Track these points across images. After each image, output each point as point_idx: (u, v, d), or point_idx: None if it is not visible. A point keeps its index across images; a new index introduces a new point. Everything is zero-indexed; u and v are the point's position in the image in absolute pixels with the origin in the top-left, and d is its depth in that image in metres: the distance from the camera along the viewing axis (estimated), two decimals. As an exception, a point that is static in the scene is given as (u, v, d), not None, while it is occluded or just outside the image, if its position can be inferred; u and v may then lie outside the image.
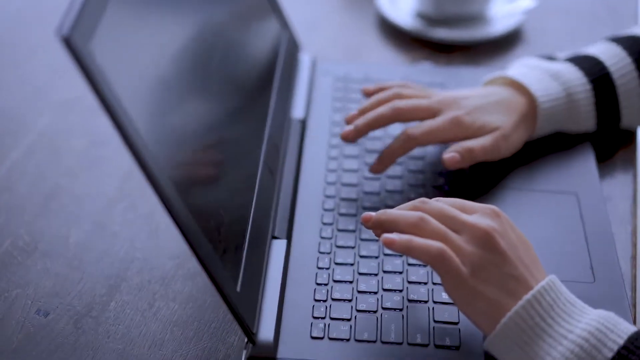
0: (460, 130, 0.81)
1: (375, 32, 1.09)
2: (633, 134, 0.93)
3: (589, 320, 0.63)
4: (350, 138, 0.82)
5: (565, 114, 0.87)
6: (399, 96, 0.83)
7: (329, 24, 1.10)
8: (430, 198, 0.74)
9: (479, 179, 0.84)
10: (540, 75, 0.87)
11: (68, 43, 0.53)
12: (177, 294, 0.75)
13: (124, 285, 0.76)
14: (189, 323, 0.73)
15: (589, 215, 0.81)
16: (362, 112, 0.83)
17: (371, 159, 0.86)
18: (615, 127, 0.90)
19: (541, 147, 0.88)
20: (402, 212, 0.68)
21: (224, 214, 0.68)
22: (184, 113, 0.67)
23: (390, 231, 0.68)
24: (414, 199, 0.82)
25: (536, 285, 0.65)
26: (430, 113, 0.82)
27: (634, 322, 0.72)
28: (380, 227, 0.69)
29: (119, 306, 0.74)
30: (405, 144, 0.81)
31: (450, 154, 0.81)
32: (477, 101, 0.83)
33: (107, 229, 0.82)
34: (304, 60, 0.99)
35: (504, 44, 1.07)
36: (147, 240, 0.80)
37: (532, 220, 0.80)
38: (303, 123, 0.91)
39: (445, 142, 0.83)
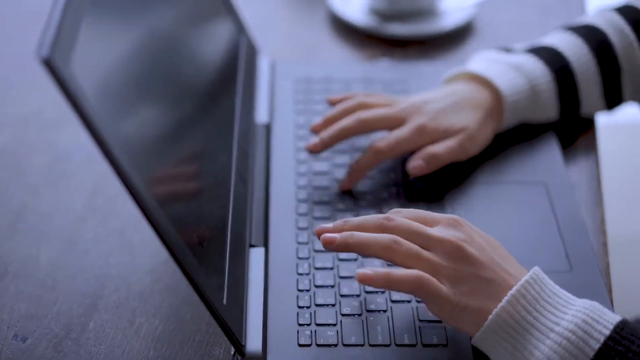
0: (425, 138, 0.82)
1: (329, 30, 1.09)
2: (591, 121, 0.94)
3: (574, 312, 0.64)
4: (316, 150, 0.83)
5: (530, 105, 0.88)
6: (363, 105, 0.84)
7: (280, 25, 1.10)
8: (402, 198, 0.75)
9: (449, 175, 0.84)
10: (503, 68, 0.88)
11: (49, 65, 0.52)
12: (157, 309, 0.74)
13: (101, 303, 0.75)
14: (172, 338, 0.72)
15: (559, 203, 0.82)
16: (327, 121, 0.84)
17: (341, 159, 0.86)
18: (576, 115, 0.91)
19: (506, 139, 0.89)
20: (372, 235, 0.67)
21: (205, 226, 0.68)
22: (160, 126, 0.66)
23: (360, 254, 0.68)
24: (386, 198, 0.82)
25: (515, 281, 0.66)
26: (394, 122, 0.83)
27: (613, 308, 0.73)
28: (346, 251, 0.68)
29: (98, 326, 0.73)
30: (373, 158, 0.82)
31: (415, 162, 0.82)
32: (440, 104, 0.84)
33: (79, 246, 0.80)
34: (263, 64, 0.98)
35: (458, 37, 1.08)
36: (121, 256, 0.79)
37: (504, 213, 0.81)
38: (267, 128, 0.90)
39: (413, 151, 0.83)
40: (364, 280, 0.66)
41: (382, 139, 0.82)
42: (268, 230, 0.79)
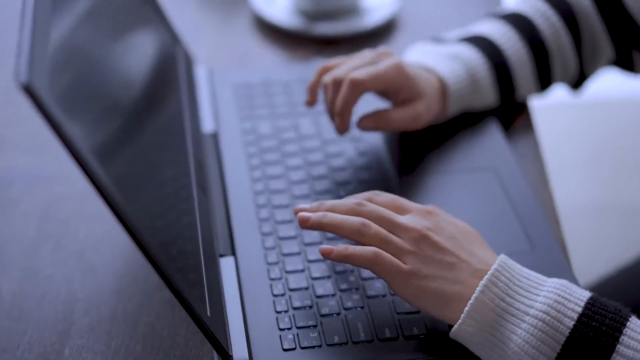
0: (399, 78, 0.83)
1: (256, 34, 1.09)
2: (524, 104, 0.97)
3: (546, 293, 0.66)
4: (345, 129, 0.83)
5: (470, 93, 0.90)
6: (335, 65, 0.86)
7: (206, 33, 1.09)
8: (360, 194, 0.75)
9: (400, 168, 0.86)
10: (441, 58, 0.89)
11: (29, 90, 0.51)
12: (132, 329, 0.73)
13: (73, 329, 0.73)
14: (152, 356, 0.71)
15: (510, 187, 0.84)
16: (330, 99, 0.84)
17: (293, 161, 0.86)
18: (512, 100, 0.93)
19: (450, 128, 0.90)
20: (343, 217, 0.71)
21: (181, 241, 0.67)
22: (126, 143, 0.65)
23: (332, 233, 0.71)
24: (344, 197, 0.83)
25: (482, 265, 0.68)
26: (370, 63, 0.84)
27: (577, 283, 0.76)
28: (320, 229, 0.71)
29: (74, 352, 0.72)
30: (354, 90, 0.82)
31: (365, 121, 0.84)
32: (396, 57, 0.86)
33: (40, 273, 0.78)
34: (200, 73, 0.97)
35: (385, 32, 1.09)
36: (85, 279, 0.78)
37: (459, 201, 0.83)
38: (215, 137, 0.90)
39: (386, 90, 0.84)
40: (325, 254, 0.70)
41: (358, 72, 0.82)
42: (233, 238, 0.78)
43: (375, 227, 0.69)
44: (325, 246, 0.70)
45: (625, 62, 0.95)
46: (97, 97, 0.62)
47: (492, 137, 0.90)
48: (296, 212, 0.73)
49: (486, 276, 0.67)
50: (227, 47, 1.07)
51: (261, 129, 0.90)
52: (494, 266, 0.67)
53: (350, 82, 0.82)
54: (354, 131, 0.90)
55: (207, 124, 0.91)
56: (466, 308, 0.66)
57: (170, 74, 0.86)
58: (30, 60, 0.52)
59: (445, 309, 0.67)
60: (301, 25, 1.07)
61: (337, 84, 0.83)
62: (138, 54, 0.77)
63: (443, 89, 0.88)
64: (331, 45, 1.06)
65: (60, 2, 0.61)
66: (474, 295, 0.66)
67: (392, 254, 0.68)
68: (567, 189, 1.32)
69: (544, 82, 0.94)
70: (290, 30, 1.08)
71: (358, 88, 0.82)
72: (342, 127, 0.83)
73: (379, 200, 0.73)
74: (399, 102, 0.85)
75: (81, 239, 0.81)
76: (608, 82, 1.57)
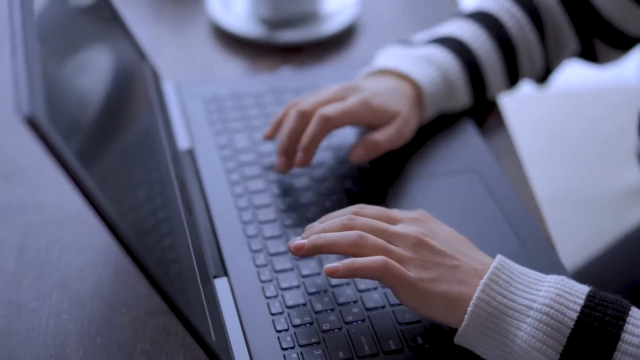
0: (368, 113, 0.82)
1: (217, 44, 1.07)
2: (494, 102, 0.97)
3: (547, 288, 0.66)
4: (306, 162, 0.81)
5: (446, 95, 0.89)
6: (315, 106, 0.83)
7: (165, 47, 1.07)
8: (346, 204, 0.74)
9: (382, 176, 0.85)
10: (414, 62, 0.89)
11: (33, 124, 0.48)
12: (130, 358, 0.71)
13: (67, 363, 0.71)
14: (153, 386, 0.69)
15: (493, 187, 0.84)
16: (290, 135, 0.82)
17: (274, 176, 0.85)
18: (484, 99, 0.93)
19: (428, 131, 0.90)
20: (338, 234, 0.69)
21: (179, 265, 0.65)
22: (124, 170, 0.63)
23: (329, 254, 0.70)
24: (330, 208, 0.81)
25: (482, 265, 0.68)
26: (337, 98, 0.83)
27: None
28: (317, 253, 0.70)
29: (71, 387, 0.69)
30: (323, 126, 0.80)
31: (356, 151, 0.82)
32: (374, 86, 0.85)
33: (24, 307, 0.75)
34: (168, 89, 0.95)
35: (348, 36, 1.08)
36: (73, 309, 0.75)
37: (446, 205, 0.82)
38: (191, 153, 0.88)
39: (357, 124, 0.83)
40: (331, 273, 0.68)
41: (329, 106, 0.81)
42: (223, 258, 0.77)
43: (372, 238, 0.69)
44: (330, 265, 0.68)
45: (588, 54, 0.96)
46: (87, 122, 0.60)
47: (469, 137, 0.90)
48: (290, 248, 0.71)
49: (486, 275, 0.67)
50: (187, 60, 1.05)
51: (237, 142, 0.89)
52: (493, 265, 0.68)
53: (320, 117, 0.80)
54: (334, 140, 0.89)
55: (182, 141, 0.89)
56: (469, 308, 0.66)
57: (144, 93, 0.84)
58: (31, 92, 0.49)
59: (451, 312, 0.67)
60: (262, 33, 1.06)
61: (303, 116, 0.81)
62: (114, 75, 0.75)
63: (419, 95, 0.87)
64: (295, 53, 1.05)
65: (42, 31, 0.59)
66: (476, 295, 0.66)
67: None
68: (549, 182, 1.34)
69: (513, 79, 0.94)
70: (252, 39, 1.06)
71: (327, 124, 0.80)
72: (303, 162, 0.81)
73: (366, 213, 0.72)
74: (374, 128, 0.84)
75: (62, 268, 0.79)
76: (569, 73, 1.59)
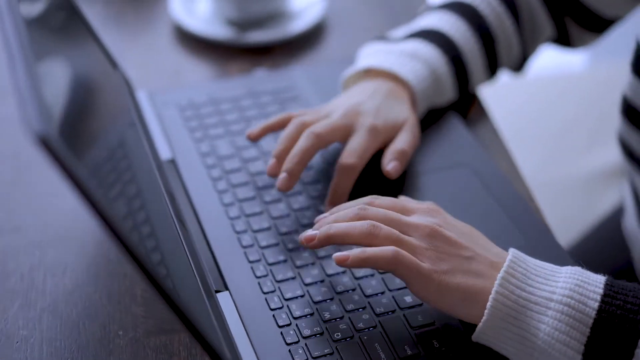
0: (379, 137, 0.80)
1: (183, 48, 1.03)
2: (474, 94, 0.95)
3: (564, 279, 0.65)
4: (287, 186, 0.76)
5: (434, 90, 0.87)
6: (305, 124, 0.79)
7: (130, 54, 1.03)
8: (359, 199, 0.71)
9: (375, 176, 0.82)
10: (399, 59, 0.86)
11: (45, 142, 0.45)
12: (132, 384, 0.68)
13: (68, 393, 0.67)
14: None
15: (488, 180, 0.82)
16: (279, 156, 0.77)
17: (262, 181, 0.82)
18: (467, 91, 0.92)
19: (415, 127, 0.88)
20: (350, 223, 0.67)
21: (188, 283, 0.62)
22: (125, 187, 0.59)
23: (341, 245, 0.68)
24: (324, 211, 0.79)
25: (497, 258, 0.66)
26: (345, 131, 0.79)
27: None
28: (329, 243, 0.68)
29: (74, 418, 0.65)
30: (349, 175, 0.77)
31: (391, 165, 0.79)
32: (373, 102, 0.81)
33: (13, 336, 0.71)
34: (142, 98, 0.91)
35: (317, 34, 1.06)
36: (65, 335, 0.71)
37: (444, 201, 0.79)
38: (173, 163, 0.84)
39: (377, 149, 0.81)
40: (341, 261, 0.66)
41: (347, 155, 0.78)
42: (221, 271, 0.73)
43: (385, 228, 0.66)
44: (340, 253, 0.66)
45: (563, 38, 0.95)
46: (85, 138, 0.57)
47: (458, 131, 0.88)
48: (301, 240, 0.69)
49: (503, 268, 0.65)
50: (153, 67, 1.01)
51: (220, 149, 0.85)
52: (509, 257, 0.66)
53: (346, 168, 0.77)
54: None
55: (163, 151, 0.85)
56: (489, 303, 0.64)
57: (123, 104, 0.80)
58: (40, 110, 0.46)
59: (470, 305, 0.65)
60: (230, 35, 1.03)
61: (317, 138, 0.77)
62: (93, 86, 0.71)
63: (411, 94, 0.85)
64: (265, 54, 1.02)
65: (37, 46, 0.55)
66: (494, 289, 0.64)
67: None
68: (538, 170, 1.33)
69: (493, 69, 0.93)
70: (219, 42, 1.03)
71: (353, 172, 0.78)
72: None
73: (379, 204, 0.70)
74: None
75: (49, 292, 0.75)
76: (542, 58, 1.61)
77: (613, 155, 1.36)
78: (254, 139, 0.82)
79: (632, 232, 0.98)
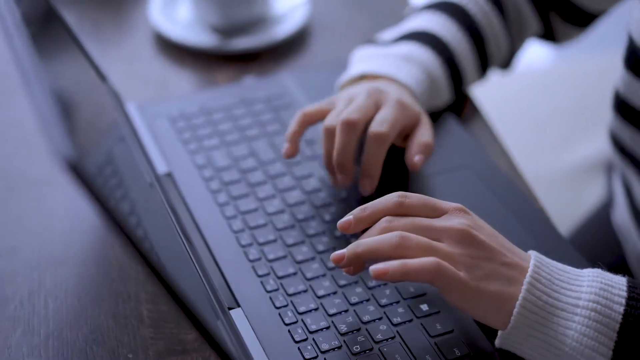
0: (406, 114, 0.78)
1: (167, 57, 1.01)
2: (466, 94, 0.94)
3: (588, 282, 0.64)
4: (346, 183, 0.76)
5: (431, 93, 0.86)
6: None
7: (114, 64, 1.00)
8: (346, 214, 0.69)
9: (381, 183, 0.81)
10: (395, 62, 0.85)
11: (76, 169, 0.43)
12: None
13: (81, 422, 0.65)
14: None
15: (490, 181, 0.81)
16: (328, 156, 0.77)
17: (263, 192, 0.79)
18: (460, 92, 0.91)
19: (412, 130, 0.86)
20: (378, 238, 0.65)
21: (200, 305, 0.60)
22: (133, 207, 0.57)
23: (371, 261, 0.64)
24: (330, 220, 0.77)
25: (526, 263, 0.65)
26: (375, 109, 0.77)
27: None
28: (358, 262, 0.65)
29: None
30: (381, 145, 0.75)
31: (418, 157, 0.77)
32: (391, 92, 0.79)
33: (17, 365, 0.69)
34: (132, 110, 0.89)
35: (303, 38, 1.04)
36: (73, 362, 0.69)
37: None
38: (171, 177, 0.82)
39: (401, 132, 0.79)
40: (379, 275, 0.62)
41: (377, 124, 0.75)
42: (230, 287, 0.71)
43: (415, 237, 0.64)
44: (377, 266, 0.62)
45: (547, 33, 0.95)
46: (85, 154, 0.54)
47: (455, 133, 0.87)
48: (332, 260, 0.66)
49: (528, 274, 0.64)
50: (137, 77, 0.98)
51: (216, 161, 0.83)
52: (533, 262, 0.64)
53: (379, 138, 0.75)
54: (316, 149, 0.84)
55: (159, 165, 0.83)
56: (515, 310, 0.63)
57: (115, 118, 0.78)
58: (68, 136, 0.44)
59: (501, 312, 0.63)
60: (214, 43, 1.00)
61: (352, 129, 0.75)
62: (89, 101, 0.69)
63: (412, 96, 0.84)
64: (252, 61, 1.00)
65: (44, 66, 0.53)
66: (522, 295, 0.63)
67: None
68: (535, 168, 1.33)
69: (484, 68, 0.92)
70: (204, 50, 1.01)
71: (386, 142, 0.76)
72: (371, 188, 0.76)
73: (409, 203, 0.67)
74: (402, 134, 0.80)
75: (53, 316, 0.72)
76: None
77: (593, 148, 1.36)
78: (293, 154, 0.78)
79: (623, 225, 0.98)
